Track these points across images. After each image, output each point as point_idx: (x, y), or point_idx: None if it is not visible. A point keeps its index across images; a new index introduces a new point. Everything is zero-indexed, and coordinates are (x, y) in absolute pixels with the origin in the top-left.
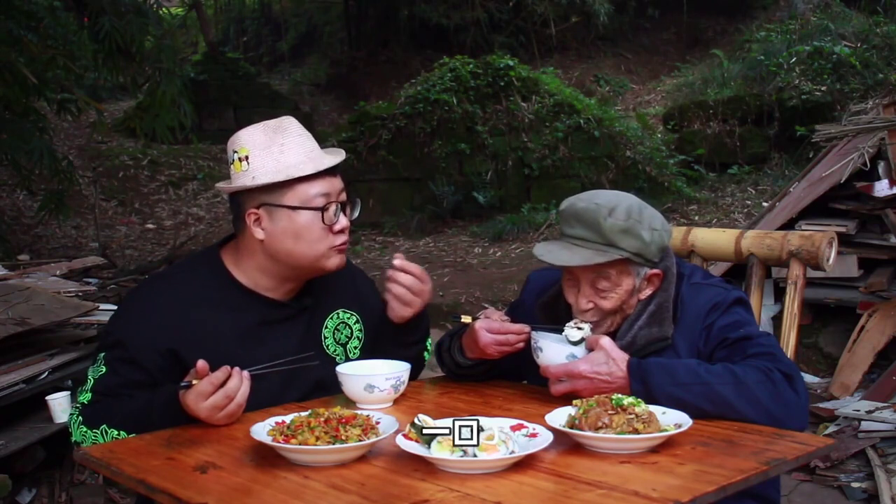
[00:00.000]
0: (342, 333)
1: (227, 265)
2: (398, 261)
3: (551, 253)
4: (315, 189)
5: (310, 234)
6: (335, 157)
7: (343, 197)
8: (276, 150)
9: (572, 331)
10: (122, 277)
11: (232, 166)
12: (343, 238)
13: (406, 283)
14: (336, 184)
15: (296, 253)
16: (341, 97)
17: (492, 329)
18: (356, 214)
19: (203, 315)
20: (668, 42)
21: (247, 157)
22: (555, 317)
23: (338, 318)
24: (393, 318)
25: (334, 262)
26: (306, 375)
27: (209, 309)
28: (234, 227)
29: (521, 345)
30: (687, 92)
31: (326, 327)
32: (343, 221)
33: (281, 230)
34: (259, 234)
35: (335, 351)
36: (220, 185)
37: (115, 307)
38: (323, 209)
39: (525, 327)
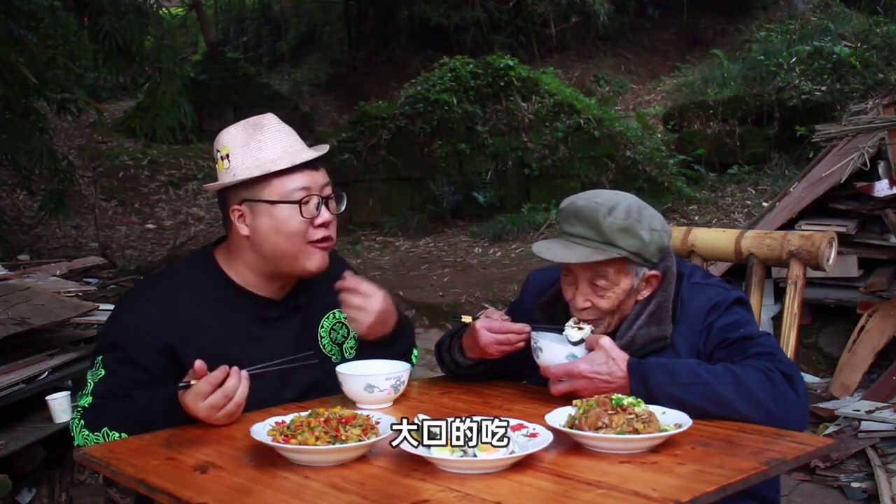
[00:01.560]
0: (338, 333)
1: (221, 264)
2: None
3: (550, 250)
4: (294, 183)
5: (289, 228)
6: (315, 151)
7: (327, 191)
8: (254, 146)
9: (572, 331)
10: (122, 277)
11: (217, 166)
12: (324, 232)
13: (354, 303)
14: (318, 178)
15: (278, 248)
16: (341, 97)
17: (492, 328)
18: (342, 208)
19: (198, 314)
20: (668, 42)
21: (228, 156)
22: (554, 316)
23: (334, 317)
24: (361, 336)
25: (315, 261)
26: (303, 375)
27: (204, 307)
28: (223, 227)
29: (522, 344)
30: (687, 92)
31: (322, 327)
32: (325, 215)
33: (263, 225)
34: (244, 230)
35: (331, 350)
36: (206, 185)
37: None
38: (301, 202)
39: (526, 327)
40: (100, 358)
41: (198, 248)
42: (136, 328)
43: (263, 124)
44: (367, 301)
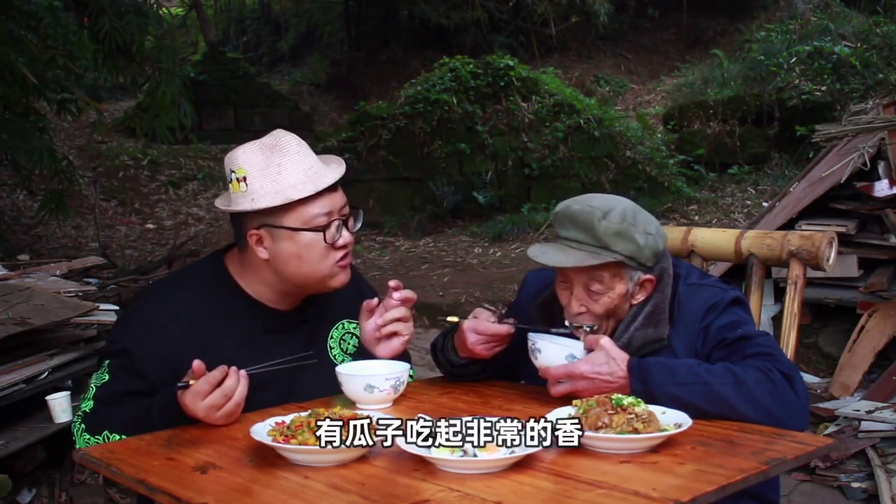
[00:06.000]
0: (348, 343)
1: (233, 275)
2: (399, 294)
3: (546, 254)
4: (316, 209)
5: (312, 253)
6: (335, 171)
7: (345, 211)
8: (273, 170)
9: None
10: (122, 277)
11: (230, 185)
12: (344, 252)
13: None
14: (337, 199)
15: (300, 273)
16: (341, 97)
17: (479, 330)
18: (358, 226)
19: (208, 325)
20: (668, 42)
21: (244, 179)
22: (551, 317)
23: (343, 328)
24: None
25: (339, 280)
26: (310, 387)
27: (214, 318)
28: (236, 244)
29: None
30: (687, 92)
31: (332, 337)
32: (346, 237)
33: (284, 251)
34: (263, 253)
35: (342, 360)
36: (220, 205)
37: (115, 307)
38: (324, 228)
39: (510, 328)
40: (107, 362)
41: (208, 255)
42: (145, 339)
43: (282, 146)
44: (406, 313)
